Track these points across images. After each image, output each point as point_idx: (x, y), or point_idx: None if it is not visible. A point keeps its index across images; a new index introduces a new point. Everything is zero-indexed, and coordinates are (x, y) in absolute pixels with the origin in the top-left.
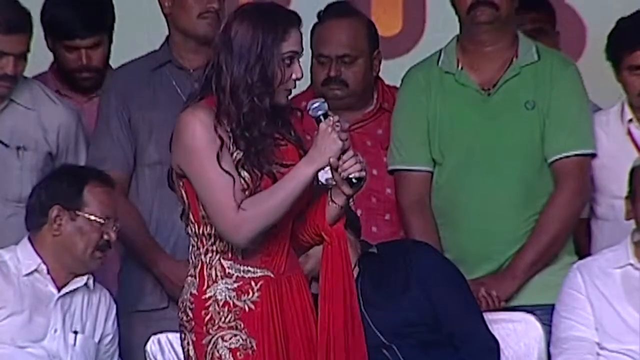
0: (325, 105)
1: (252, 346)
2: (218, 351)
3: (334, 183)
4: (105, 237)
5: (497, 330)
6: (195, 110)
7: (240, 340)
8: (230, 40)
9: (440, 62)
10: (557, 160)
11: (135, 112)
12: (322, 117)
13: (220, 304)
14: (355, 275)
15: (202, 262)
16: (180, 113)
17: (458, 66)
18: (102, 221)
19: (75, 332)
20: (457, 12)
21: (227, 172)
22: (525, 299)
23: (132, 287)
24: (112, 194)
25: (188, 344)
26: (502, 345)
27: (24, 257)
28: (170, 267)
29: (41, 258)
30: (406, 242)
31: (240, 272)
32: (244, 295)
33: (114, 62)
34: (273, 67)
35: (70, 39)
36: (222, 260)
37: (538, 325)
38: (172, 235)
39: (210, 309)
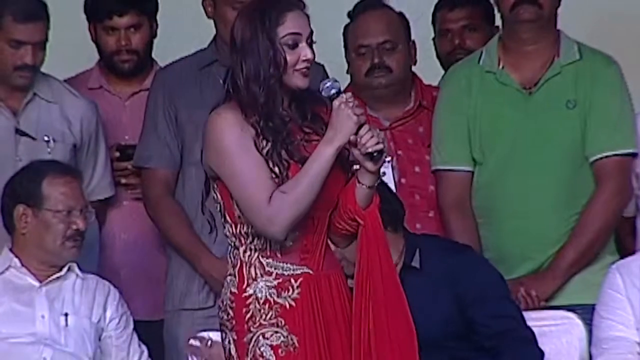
0: (338, 84)
1: (293, 343)
2: (259, 348)
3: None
4: (74, 226)
5: (539, 328)
6: (220, 110)
7: (282, 337)
8: (235, 39)
9: (481, 61)
10: (598, 159)
11: (182, 111)
12: (335, 96)
13: (261, 301)
14: None
15: (241, 261)
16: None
17: (499, 65)
18: (65, 213)
19: (66, 314)
20: (499, 11)
21: (257, 167)
22: (565, 298)
23: (179, 285)
24: (72, 183)
25: (229, 342)
26: (543, 344)
27: (0, 259)
28: (215, 266)
29: (17, 257)
30: (454, 254)
31: (279, 270)
32: (284, 292)
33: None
34: (276, 53)
35: (108, 17)
36: (261, 258)
37: (580, 323)
38: (219, 233)
39: (251, 306)
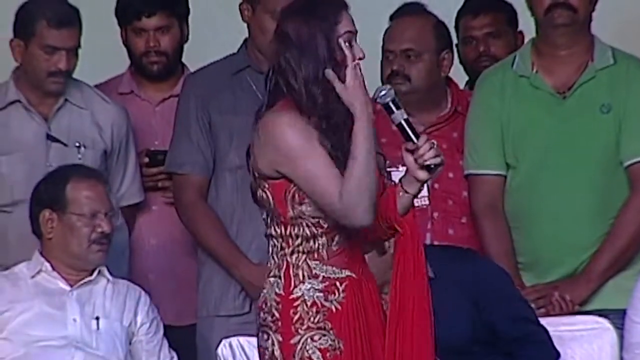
0: (392, 91)
1: (339, 347)
2: (308, 351)
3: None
4: (99, 229)
5: (570, 333)
6: (278, 111)
7: (329, 340)
8: (290, 40)
9: (514, 66)
10: (632, 164)
11: (216, 116)
12: (391, 104)
13: (309, 304)
14: None
15: (287, 263)
16: (258, 120)
17: (533, 69)
18: (89, 216)
19: (97, 318)
20: (533, 15)
21: (328, 163)
22: (599, 303)
23: (214, 291)
24: (96, 186)
25: (272, 344)
26: (575, 349)
27: (31, 263)
28: (253, 272)
29: (47, 260)
30: (462, 260)
31: (326, 273)
32: (331, 296)
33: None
34: (336, 51)
35: (137, 18)
36: (308, 261)
37: (612, 328)
38: (255, 239)
39: (299, 309)
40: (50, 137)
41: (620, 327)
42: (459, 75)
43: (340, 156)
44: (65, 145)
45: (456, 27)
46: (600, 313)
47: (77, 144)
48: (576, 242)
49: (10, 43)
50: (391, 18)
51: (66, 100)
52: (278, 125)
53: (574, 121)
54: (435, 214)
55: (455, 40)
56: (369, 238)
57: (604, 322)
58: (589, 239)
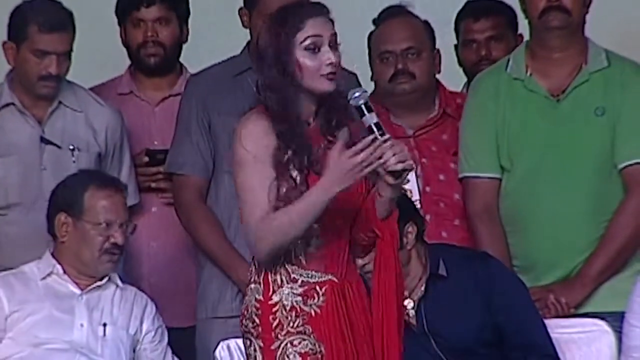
0: (366, 94)
1: (320, 350)
2: (288, 356)
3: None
4: (112, 239)
5: (568, 336)
6: (248, 116)
7: (309, 344)
8: (258, 46)
9: (508, 69)
10: (627, 166)
11: (216, 118)
12: (363, 107)
13: (287, 309)
14: (419, 295)
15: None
16: None
17: (527, 72)
18: (104, 226)
19: (104, 325)
20: (527, 17)
21: (261, 184)
22: (594, 306)
23: (212, 293)
24: (114, 196)
25: (255, 350)
26: (573, 352)
27: (42, 264)
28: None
29: (59, 263)
30: (476, 260)
31: (305, 277)
32: (310, 300)
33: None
34: (294, 58)
35: (136, 9)
36: (286, 265)
37: (610, 331)
38: None
39: (278, 314)
40: (44, 140)
41: (617, 330)
42: (457, 77)
43: (295, 165)
44: (59, 148)
45: (456, 29)
46: (596, 315)
47: (72, 147)
48: (572, 245)
49: (3, 45)
50: (375, 22)
51: (60, 102)
52: (238, 130)
53: (569, 124)
54: (428, 217)
55: (454, 42)
56: (356, 241)
57: (603, 325)
58: (585, 241)
